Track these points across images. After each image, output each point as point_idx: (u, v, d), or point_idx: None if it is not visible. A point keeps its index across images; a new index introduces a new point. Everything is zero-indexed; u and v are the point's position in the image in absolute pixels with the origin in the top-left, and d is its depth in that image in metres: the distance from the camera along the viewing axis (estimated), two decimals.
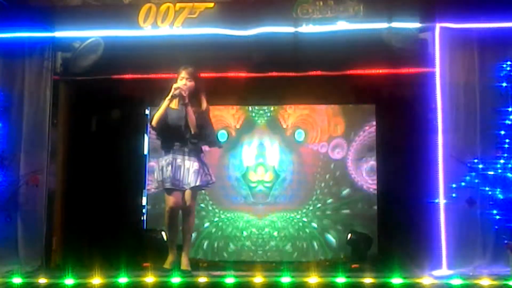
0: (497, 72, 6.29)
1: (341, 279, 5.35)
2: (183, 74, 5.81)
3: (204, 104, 5.86)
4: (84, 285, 5.34)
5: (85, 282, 5.38)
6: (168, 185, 5.76)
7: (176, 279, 5.35)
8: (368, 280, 5.34)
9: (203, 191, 6.90)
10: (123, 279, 5.36)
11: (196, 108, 5.80)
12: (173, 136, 5.80)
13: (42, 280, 5.52)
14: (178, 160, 5.74)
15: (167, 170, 5.76)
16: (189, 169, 5.74)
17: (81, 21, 6.71)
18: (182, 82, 5.78)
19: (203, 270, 6.60)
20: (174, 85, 5.77)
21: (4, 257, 6.38)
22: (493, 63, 6.32)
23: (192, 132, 5.74)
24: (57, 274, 5.82)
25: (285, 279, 5.32)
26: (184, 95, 5.72)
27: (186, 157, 5.76)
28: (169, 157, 5.78)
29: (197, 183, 5.75)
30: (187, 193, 5.79)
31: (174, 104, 5.83)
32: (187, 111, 5.73)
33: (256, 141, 7.94)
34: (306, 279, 5.36)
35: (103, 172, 7.32)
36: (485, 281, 5.36)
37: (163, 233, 6.94)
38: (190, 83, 5.80)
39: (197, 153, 5.83)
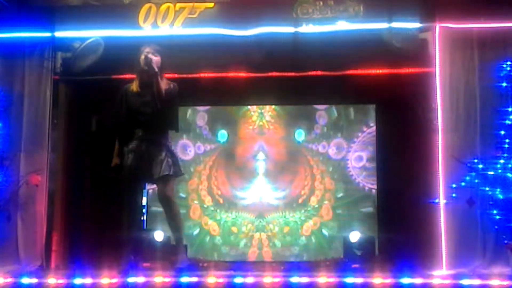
0: (497, 72, 6.29)
1: (341, 279, 5.35)
2: (148, 49, 5.27)
3: (171, 84, 5.35)
4: (84, 285, 5.33)
5: (86, 282, 5.37)
6: (128, 175, 5.33)
7: (176, 279, 5.35)
8: (368, 280, 5.34)
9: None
10: (123, 279, 5.36)
11: (163, 84, 5.30)
12: (136, 122, 5.33)
13: (43, 280, 5.51)
14: (143, 148, 5.29)
15: (128, 158, 5.32)
16: (154, 157, 5.27)
17: (81, 21, 6.71)
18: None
19: (203, 270, 6.60)
20: (142, 58, 5.24)
21: (4, 257, 6.38)
22: (493, 63, 6.32)
23: (158, 105, 5.20)
24: (57, 274, 5.82)
25: (286, 279, 5.32)
26: (153, 64, 5.18)
27: (152, 145, 5.30)
28: (133, 144, 5.32)
29: (164, 173, 5.26)
30: (159, 186, 5.38)
31: (134, 87, 5.36)
32: (156, 82, 5.18)
33: (256, 141, 7.94)
34: (306, 279, 5.35)
35: (103, 172, 7.31)
36: (485, 281, 5.35)
37: (155, 233, 6.95)
38: (157, 58, 5.26)
39: (162, 141, 5.35)
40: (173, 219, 5.52)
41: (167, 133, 5.46)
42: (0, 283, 5.48)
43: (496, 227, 6.11)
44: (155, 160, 5.30)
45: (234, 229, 7.81)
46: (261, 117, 7.96)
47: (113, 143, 7.09)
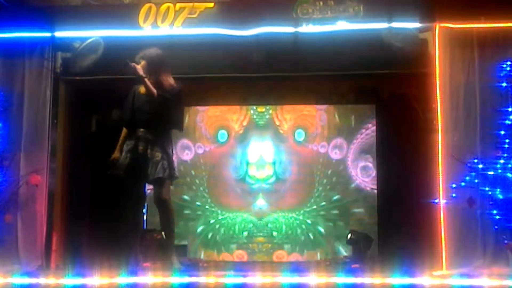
0: (497, 72, 6.29)
1: (341, 279, 5.34)
2: (137, 58, 5.61)
3: (174, 84, 5.57)
4: (84, 285, 5.33)
5: (85, 282, 5.37)
6: (122, 173, 5.49)
7: (176, 279, 5.35)
8: (368, 280, 5.34)
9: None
10: (123, 279, 5.36)
11: (160, 85, 5.52)
12: (138, 121, 5.54)
13: (42, 280, 5.51)
14: (140, 148, 5.47)
15: (126, 157, 5.50)
16: (151, 158, 5.43)
17: (81, 21, 6.71)
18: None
19: (203, 270, 6.59)
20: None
21: (4, 257, 6.37)
22: (493, 63, 6.32)
23: (156, 106, 5.44)
24: (57, 274, 5.82)
25: (285, 279, 5.32)
26: (137, 70, 5.47)
27: (149, 146, 5.46)
28: (131, 143, 5.52)
29: (157, 175, 5.42)
30: (154, 188, 5.53)
31: (143, 90, 5.60)
32: (145, 85, 5.46)
33: (256, 141, 7.94)
34: (306, 279, 5.35)
35: (103, 172, 7.31)
36: (485, 281, 5.35)
37: (162, 233, 6.94)
38: (141, 63, 5.56)
39: (161, 143, 5.50)
40: (166, 222, 5.67)
41: (167, 134, 5.59)
42: (0, 283, 5.48)
43: (496, 227, 6.10)
44: (151, 161, 5.43)
45: (235, 229, 7.81)
46: (260, 117, 7.96)
47: (114, 142, 7.12)
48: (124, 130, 5.71)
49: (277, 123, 7.95)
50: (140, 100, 5.57)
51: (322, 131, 7.90)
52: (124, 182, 5.57)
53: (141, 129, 5.52)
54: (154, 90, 5.47)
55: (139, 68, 5.49)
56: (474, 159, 6.19)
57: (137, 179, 5.55)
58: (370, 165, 7.74)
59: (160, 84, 5.55)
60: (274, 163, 7.89)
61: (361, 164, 7.79)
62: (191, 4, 6.62)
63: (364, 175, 7.75)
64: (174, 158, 5.72)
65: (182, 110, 5.75)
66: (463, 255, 6.09)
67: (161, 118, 5.51)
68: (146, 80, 5.48)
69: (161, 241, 6.77)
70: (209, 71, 6.90)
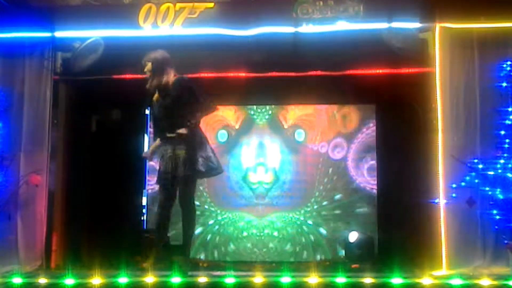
0: (497, 72, 6.29)
1: (341, 279, 5.35)
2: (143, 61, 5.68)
3: (174, 79, 5.58)
4: (84, 285, 5.33)
5: (85, 282, 5.37)
6: (160, 182, 5.58)
7: (176, 279, 5.35)
8: (368, 280, 5.34)
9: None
10: (123, 279, 5.36)
11: (165, 86, 5.58)
12: (162, 127, 5.62)
13: (42, 280, 5.51)
14: (169, 151, 5.52)
15: (160, 165, 5.61)
16: (177, 159, 5.48)
17: (81, 21, 6.72)
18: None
19: (203, 270, 6.60)
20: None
21: (4, 257, 6.38)
22: (493, 63, 6.32)
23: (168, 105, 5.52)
24: (57, 274, 5.82)
25: (285, 279, 5.32)
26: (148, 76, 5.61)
27: (176, 147, 5.49)
28: (162, 149, 5.60)
29: (183, 173, 5.45)
30: (180, 186, 5.56)
31: (156, 98, 5.67)
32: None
33: (256, 141, 7.94)
34: (306, 279, 5.35)
35: (103, 172, 7.32)
36: (485, 281, 5.35)
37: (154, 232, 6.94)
38: (147, 66, 5.63)
39: (186, 141, 5.48)
40: (187, 222, 5.66)
41: (191, 129, 5.53)
42: (0, 283, 5.48)
43: (496, 227, 6.11)
44: (178, 161, 5.47)
45: (234, 229, 7.81)
46: (261, 117, 7.96)
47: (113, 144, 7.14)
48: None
49: (277, 123, 7.95)
50: (156, 107, 5.63)
51: (322, 131, 7.90)
52: (164, 187, 5.57)
53: (167, 134, 5.55)
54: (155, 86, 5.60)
55: (148, 75, 5.60)
56: (474, 159, 6.20)
57: (175, 182, 5.55)
58: (370, 165, 7.72)
59: (165, 85, 5.56)
60: (274, 164, 7.89)
61: (361, 164, 7.78)
62: (191, 4, 6.62)
63: (364, 175, 7.73)
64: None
65: (195, 100, 5.61)
66: (463, 255, 6.10)
67: (177, 116, 5.53)
68: (154, 79, 5.59)
69: (154, 241, 6.80)
70: (209, 71, 6.91)
